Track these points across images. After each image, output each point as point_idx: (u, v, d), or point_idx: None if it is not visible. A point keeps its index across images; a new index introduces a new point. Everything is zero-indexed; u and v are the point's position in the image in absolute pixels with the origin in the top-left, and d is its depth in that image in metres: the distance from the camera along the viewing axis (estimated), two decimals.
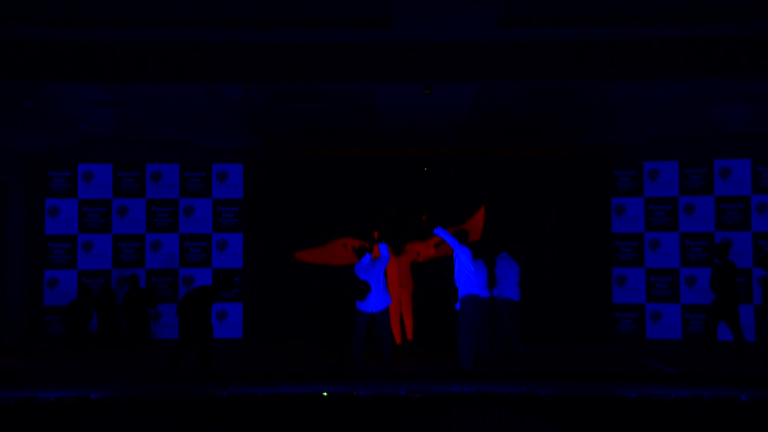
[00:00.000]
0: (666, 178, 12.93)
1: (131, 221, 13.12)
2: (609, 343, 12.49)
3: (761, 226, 12.69)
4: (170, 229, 13.14)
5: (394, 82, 8.65)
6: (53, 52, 8.22)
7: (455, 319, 9.26)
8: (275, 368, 9.81)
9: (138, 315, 12.45)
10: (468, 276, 9.17)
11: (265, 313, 12.83)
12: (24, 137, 12.20)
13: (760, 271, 12.13)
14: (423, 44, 8.23)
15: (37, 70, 8.30)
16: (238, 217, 13.14)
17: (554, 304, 12.61)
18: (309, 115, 10.76)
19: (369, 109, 10.28)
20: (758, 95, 9.80)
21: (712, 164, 12.85)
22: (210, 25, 7.75)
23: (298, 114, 10.69)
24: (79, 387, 8.08)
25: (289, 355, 11.12)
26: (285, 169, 13.02)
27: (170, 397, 7.51)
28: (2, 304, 12.40)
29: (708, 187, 12.83)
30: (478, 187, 12.77)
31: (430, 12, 7.33)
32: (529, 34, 8.04)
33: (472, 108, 10.18)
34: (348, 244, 11.98)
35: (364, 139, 12.48)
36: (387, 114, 10.51)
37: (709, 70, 8.27)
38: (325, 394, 7.53)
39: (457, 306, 9.24)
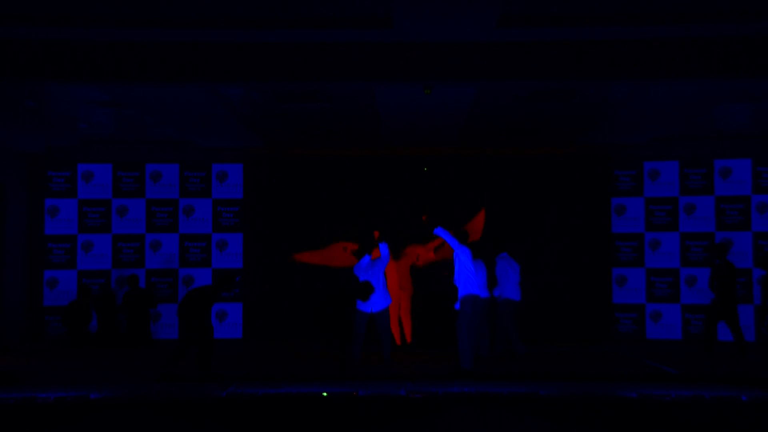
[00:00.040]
0: (666, 178, 12.93)
1: (131, 221, 13.11)
2: (609, 343, 12.49)
3: (761, 226, 12.69)
4: (170, 229, 13.13)
5: (394, 82, 8.65)
6: (53, 52, 8.22)
7: (455, 320, 9.25)
8: (275, 368, 9.81)
9: (138, 315, 12.45)
10: (468, 276, 9.17)
11: (265, 313, 12.83)
12: (24, 137, 12.20)
13: (760, 271, 12.12)
14: (423, 44, 8.23)
15: (37, 70, 8.30)
16: (238, 217, 13.14)
17: (554, 304, 12.61)
18: (309, 115, 10.76)
19: (369, 109, 10.28)
20: (758, 95, 9.79)
21: (713, 164, 12.85)
22: (210, 25, 7.75)
23: (298, 114, 10.69)
24: (79, 387, 8.08)
25: (289, 355, 11.12)
26: (285, 169, 13.02)
27: (170, 397, 7.51)
28: (2, 304, 12.39)
29: (708, 187, 12.83)
30: (478, 187, 12.77)
31: (430, 12, 7.33)
32: (529, 34, 8.04)
33: (472, 108, 10.18)
34: (348, 248, 11.98)
35: (364, 139, 12.48)
36: (387, 114, 10.50)
37: (709, 70, 8.27)
38: (325, 394, 7.52)
39: (457, 306, 9.23)
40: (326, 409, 7.14)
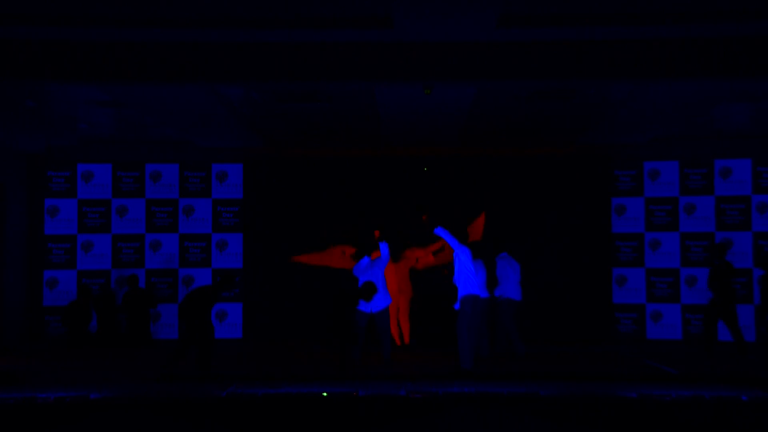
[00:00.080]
0: (666, 178, 12.93)
1: (131, 221, 13.11)
2: (609, 343, 12.49)
3: (762, 226, 12.69)
4: (170, 229, 13.13)
5: (394, 82, 8.65)
6: (53, 52, 8.22)
7: (455, 320, 9.24)
8: (275, 368, 9.80)
9: (138, 315, 12.45)
10: (468, 276, 9.16)
11: (265, 313, 12.83)
12: (24, 137, 12.20)
13: (760, 271, 12.12)
14: (423, 44, 8.22)
15: (37, 70, 8.30)
16: (238, 217, 13.14)
17: (554, 304, 12.61)
18: (309, 115, 10.76)
19: (369, 109, 10.28)
20: (758, 95, 9.79)
21: (713, 164, 12.85)
22: (210, 25, 7.75)
23: (298, 114, 10.69)
24: (78, 387, 8.07)
25: (289, 355, 11.11)
26: (285, 169, 13.02)
27: (170, 397, 7.51)
28: (2, 304, 12.39)
29: (708, 187, 12.83)
30: (478, 187, 12.78)
31: (430, 12, 7.33)
32: (529, 34, 8.04)
33: (472, 108, 10.18)
34: (347, 251, 11.99)
35: (364, 139, 12.48)
36: (387, 114, 10.50)
37: (709, 70, 8.27)
38: (325, 394, 7.52)
39: (457, 306, 9.23)
40: (326, 409, 7.14)
